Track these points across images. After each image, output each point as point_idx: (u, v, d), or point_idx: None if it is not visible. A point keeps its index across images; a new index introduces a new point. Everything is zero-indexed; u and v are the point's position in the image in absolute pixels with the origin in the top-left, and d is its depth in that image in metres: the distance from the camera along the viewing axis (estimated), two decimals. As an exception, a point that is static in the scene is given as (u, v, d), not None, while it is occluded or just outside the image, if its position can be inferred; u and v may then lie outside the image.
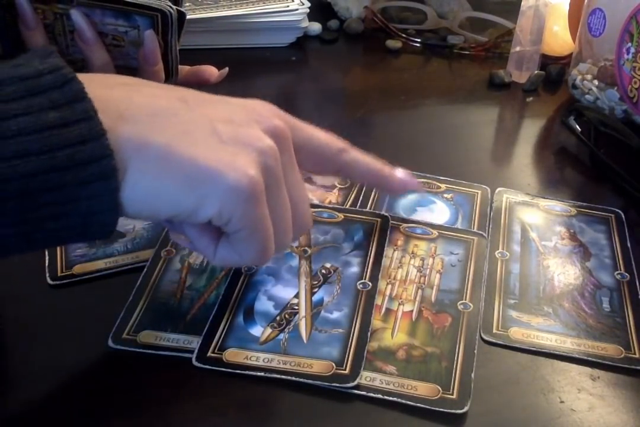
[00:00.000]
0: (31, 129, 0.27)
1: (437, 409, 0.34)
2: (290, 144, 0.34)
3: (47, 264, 0.41)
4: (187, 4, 0.70)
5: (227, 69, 0.56)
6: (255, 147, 0.31)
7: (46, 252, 0.42)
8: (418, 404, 0.34)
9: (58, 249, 0.42)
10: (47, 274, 0.41)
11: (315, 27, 0.76)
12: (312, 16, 0.74)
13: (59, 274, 0.41)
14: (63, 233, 0.29)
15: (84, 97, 0.28)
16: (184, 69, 0.54)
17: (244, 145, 0.31)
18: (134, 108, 0.30)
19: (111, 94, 0.30)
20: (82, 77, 0.28)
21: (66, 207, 0.28)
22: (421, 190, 0.49)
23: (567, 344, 0.38)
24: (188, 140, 0.30)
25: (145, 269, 0.41)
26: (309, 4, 0.72)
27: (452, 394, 0.35)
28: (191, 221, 0.31)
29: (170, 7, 0.47)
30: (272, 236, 0.33)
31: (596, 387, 0.36)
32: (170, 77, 0.52)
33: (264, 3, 0.71)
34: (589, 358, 0.38)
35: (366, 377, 0.35)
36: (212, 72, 0.55)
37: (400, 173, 0.42)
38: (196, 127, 0.31)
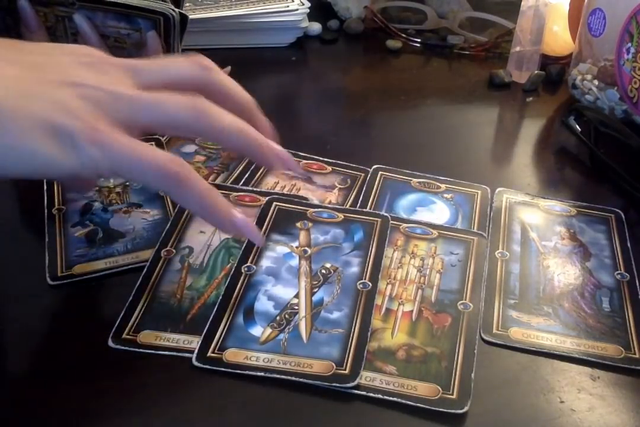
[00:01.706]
0: None
1: (437, 409, 0.34)
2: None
3: (47, 264, 0.41)
4: (187, 4, 0.70)
5: (229, 67, 0.56)
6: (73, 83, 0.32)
7: (46, 253, 0.42)
8: (418, 404, 0.34)
9: (58, 249, 0.42)
10: (47, 274, 0.41)
11: (315, 27, 0.76)
12: (312, 16, 0.74)
13: (59, 274, 0.41)
14: None
15: None
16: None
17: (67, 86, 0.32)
18: None
19: None
20: None
21: None
22: (300, 172, 0.45)
23: (567, 344, 0.38)
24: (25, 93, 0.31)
25: (145, 269, 0.41)
26: (309, 4, 0.72)
27: (452, 394, 0.35)
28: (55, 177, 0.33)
29: (173, 10, 0.47)
30: (153, 152, 0.33)
31: (596, 387, 0.36)
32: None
33: (264, 3, 0.71)
34: (589, 358, 0.38)
35: (366, 377, 0.35)
36: None
37: (277, 148, 0.39)
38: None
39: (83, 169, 0.32)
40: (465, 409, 0.34)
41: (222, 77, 0.38)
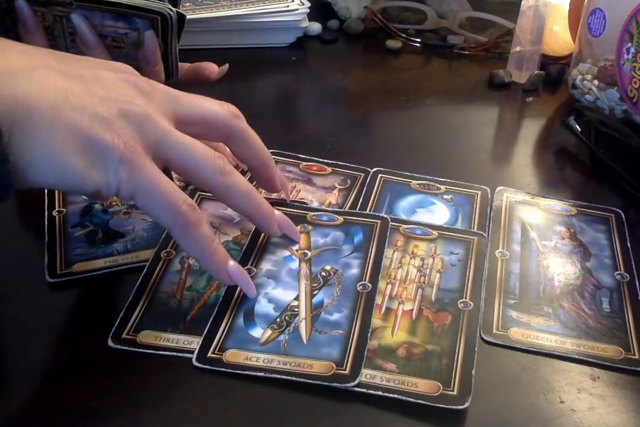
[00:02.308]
0: None
1: (437, 405, 0.34)
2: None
3: (46, 262, 0.41)
4: (187, 4, 0.70)
5: (227, 65, 0.55)
6: (129, 110, 0.33)
7: (45, 252, 0.42)
8: (419, 401, 0.34)
9: (58, 248, 0.42)
10: (46, 272, 0.41)
11: (315, 27, 0.76)
12: (312, 16, 0.74)
13: (58, 271, 0.41)
14: None
15: None
16: (183, 66, 0.54)
17: (120, 111, 0.33)
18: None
19: None
20: None
21: None
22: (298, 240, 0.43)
23: (567, 344, 0.38)
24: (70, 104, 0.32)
25: (145, 270, 0.41)
26: (309, 4, 0.71)
27: (453, 391, 0.35)
28: (78, 191, 0.33)
29: (170, 9, 0.47)
30: (174, 191, 0.34)
31: (596, 387, 0.36)
32: (171, 77, 0.52)
33: (264, 3, 0.71)
34: (589, 359, 0.38)
35: (366, 374, 0.35)
36: (212, 69, 0.55)
37: (280, 218, 0.41)
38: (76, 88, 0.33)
39: (106, 188, 0.33)
40: (466, 405, 0.34)
41: (248, 128, 0.40)
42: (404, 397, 0.34)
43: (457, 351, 0.37)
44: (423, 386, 0.35)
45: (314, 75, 0.71)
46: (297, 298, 0.39)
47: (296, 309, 0.39)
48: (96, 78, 0.34)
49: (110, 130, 0.32)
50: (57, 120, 0.31)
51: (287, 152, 0.53)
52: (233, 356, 0.36)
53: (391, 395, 0.34)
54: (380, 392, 0.34)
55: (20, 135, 0.30)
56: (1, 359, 0.37)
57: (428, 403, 0.34)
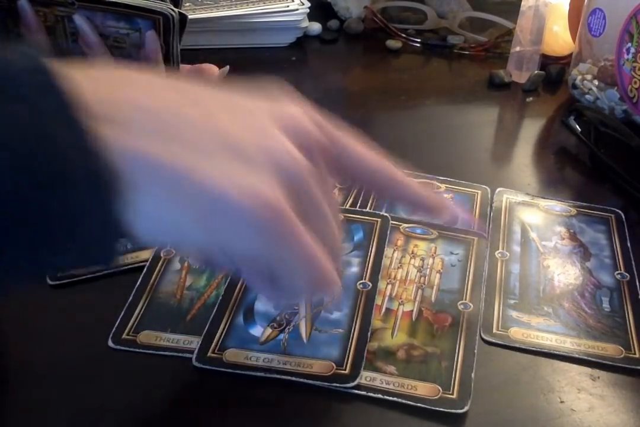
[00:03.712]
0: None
1: (437, 408, 0.34)
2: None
3: (47, 264, 0.41)
4: (187, 4, 0.70)
5: (227, 67, 0.56)
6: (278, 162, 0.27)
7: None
8: (418, 404, 0.34)
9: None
10: (47, 274, 0.41)
11: (315, 27, 0.76)
12: (312, 16, 0.74)
13: (59, 273, 0.41)
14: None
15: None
16: (184, 68, 0.54)
17: (264, 163, 0.27)
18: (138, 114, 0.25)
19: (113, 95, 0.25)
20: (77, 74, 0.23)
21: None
22: (474, 225, 0.44)
23: (567, 344, 0.38)
24: (199, 159, 0.25)
25: (145, 269, 0.41)
26: (309, 4, 0.71)
27: (452, 394, 0.35)
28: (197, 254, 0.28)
29: (172, 9, 0.47)
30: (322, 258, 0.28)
31: (596, 387, 0.36)
32: (171, 77, 0.52)
33: (264, 3, 0.71)
34: (589, 358, 0.38)
35: (366, 377, 0.35)
36: (212, 71, 0.55)
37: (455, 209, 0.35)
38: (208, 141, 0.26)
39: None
40: (466, 409, 0.34)
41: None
42: (403, 401, 0.34)
43: (456, 353, 0.37)
44: (422, 389, 0.35)
45: (314, 75, 0.71)
46: (297, 297, 0.39)
47: (296, 308, 0.39)
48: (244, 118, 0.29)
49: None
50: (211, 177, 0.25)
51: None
52: (233, 355, 0.36)
53: (391, 398, 0.34)
54: (379, 395, 0.34)
55: (139, 197, 0.24)
56: (1, 359, 0.37)
57: (427, 407, 0.34)
